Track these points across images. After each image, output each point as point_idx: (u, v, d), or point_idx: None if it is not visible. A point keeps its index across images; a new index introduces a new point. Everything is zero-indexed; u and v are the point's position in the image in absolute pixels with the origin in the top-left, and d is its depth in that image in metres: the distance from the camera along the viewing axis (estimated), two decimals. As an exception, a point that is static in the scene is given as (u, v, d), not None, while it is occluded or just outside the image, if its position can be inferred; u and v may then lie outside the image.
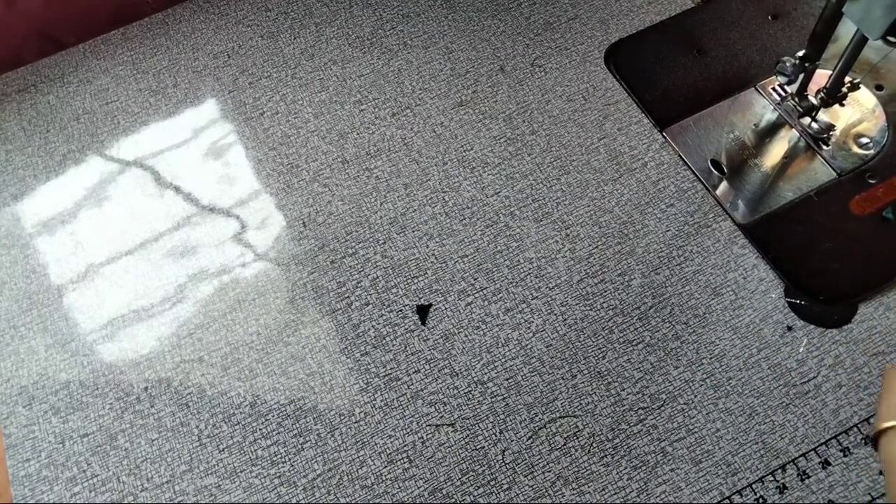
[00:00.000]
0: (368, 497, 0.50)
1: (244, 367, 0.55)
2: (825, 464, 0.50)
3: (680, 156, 0.63)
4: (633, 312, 0.56)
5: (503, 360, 0.55)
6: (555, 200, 0.61)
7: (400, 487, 0.51)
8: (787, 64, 0.60)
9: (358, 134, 0.66)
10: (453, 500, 0.50)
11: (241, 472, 0.52)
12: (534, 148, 0.64)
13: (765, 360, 0.53)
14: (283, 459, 0.52)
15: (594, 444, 0.51)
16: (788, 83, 0.62)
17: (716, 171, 0.62)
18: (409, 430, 0.52)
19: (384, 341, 0.56)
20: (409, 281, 0.58)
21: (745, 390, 0.53)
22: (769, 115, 0.65)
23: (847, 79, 0.60)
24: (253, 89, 0.69)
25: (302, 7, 0.74)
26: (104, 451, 0.53)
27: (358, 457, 0.52)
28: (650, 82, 0.67)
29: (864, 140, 0.62)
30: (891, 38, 0.62)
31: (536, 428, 0.52)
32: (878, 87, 0.65)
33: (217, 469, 0.52)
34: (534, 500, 0.50)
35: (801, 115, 0.63)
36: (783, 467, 0.50)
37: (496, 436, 0.52)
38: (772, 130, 0.64)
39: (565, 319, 0.56)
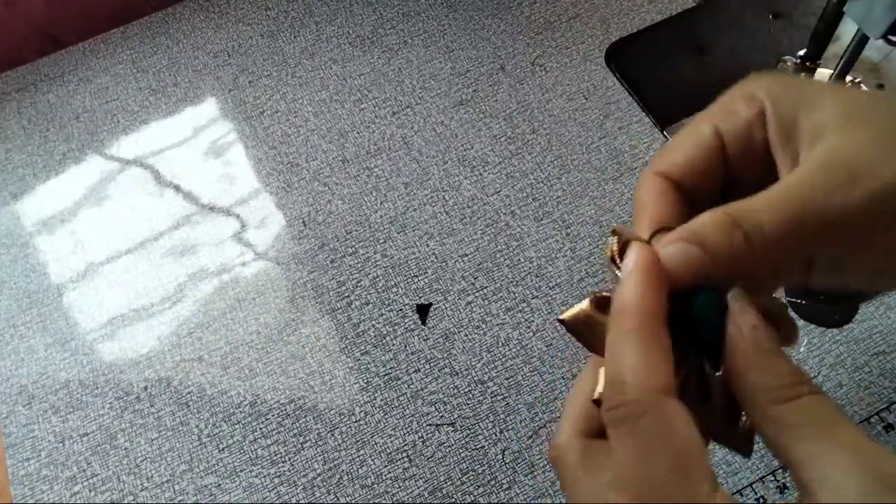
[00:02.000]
0: (368, 496, 0.50)
1: (244, 367, 0.55)
2: (826, 463, 0.50)
3: (680, 155, 0.63)
4: (634, 312, 0.56)
5: (503, 360, 0.55)
6: (555, 199, 0.61)
7: (400, 487, 0.51)
8: (788, 63, 0.59)
9: (358, 133, 0.66)
10: (453, 500, 0.50)
11: (241, 471, 0.51)
12: (534, 147, 0.64)
13: (765, 360, 0.53)
14: (283, 459, 0.52)
15: (594, 444, 0.51)
16: (789, 82, 0.62)
17: (716, 171, 0.62)
18: (409, 429, 0.52)
19: (384, 340, 0.56)
20: (409, 280, 0.58)
21: (745, 390, 0.52)
22: (770, 115, 0.64)
23: (848, 78, 0.60)
24: (253, 88, 0.69)
25: (302, 6, 0.74)
26: (104, 451, 0.52)
27: (358, 456, 0.52)
28: (651, 81, 0.67)
29: (865, 139, 0.62)
30: (892, 37, 0.61)
31: (537, 427, 0.52)
32: (880, 86, 0.64)
33: (217, 468, 0.52)
34: (534, 500, 0.50)
35: (802, 115, 0.63)
36: (784, 467, 0.50)
37: (496, 435, 0.52)
38: (772, 130, 0.64)
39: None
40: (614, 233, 0.22)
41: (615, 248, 0.22)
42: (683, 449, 0.19)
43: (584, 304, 0.22)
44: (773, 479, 0.49)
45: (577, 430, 0.22)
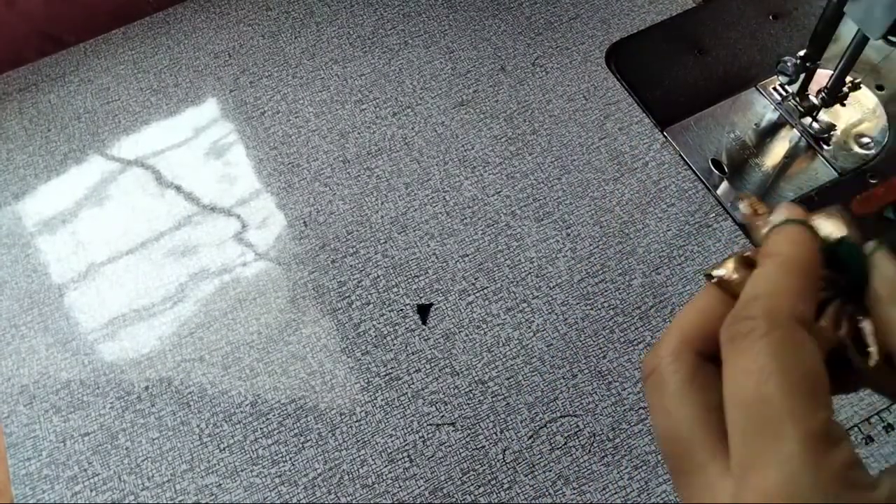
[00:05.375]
0: (369, 496, 0.50)
1: (245, 367, 0.55)
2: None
3: (681, 155, 0.63)
4: (634, 312, 0.56)
5: (504, 360, 0.55)
6: (556, 200, 0.61)
7: (401, 487, 0.51)
8: (788, 64, 0.60)
9: (359, 133, 0.66)
10: (454, 500, 0.50)
11: (241, 471, 0.52)
12: (535, 147, 0.64)
13: (765, 360, 0.53)
14: (283, 458, 0.52)
15: (595, 444, 0.51)
16: (789, 83, 0.62)
17: (717, 171, 0.62)
18: (409, 429, 0.52)
19: (385, 340, 0.56)
20: (409, 280, 0.58)
21: (745, 390, 0.53)
22: (770, 115, 0.65)
23: (848, 78, 0.60)
24: (254, 88, 0.69)
25: (303, 6, 0.74)
26: (105, 450, 0.53)
27: (359, 456, 0.52)
28: (651, 82, 0.67)
29: (865, 140, 0.62)
30: (892, 38, 0.62)
31: (537, 427, 0.52)
32: (879, 87, 0.65)
33: (218, 468, 0.52)
34: (534, 500, 0.50)
35: (802, 115, 0.63)
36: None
37: (497, 435, 0.52)
38: (773, 130, 0.64)
39: (566, 319, 0.56)
40: (740, 198, 0.23)
41: (754, 205, 0.23)
42: (807, 374, 0.17)
43: (730, 262, 0.22)
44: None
45: (689, 345, 0.20)
